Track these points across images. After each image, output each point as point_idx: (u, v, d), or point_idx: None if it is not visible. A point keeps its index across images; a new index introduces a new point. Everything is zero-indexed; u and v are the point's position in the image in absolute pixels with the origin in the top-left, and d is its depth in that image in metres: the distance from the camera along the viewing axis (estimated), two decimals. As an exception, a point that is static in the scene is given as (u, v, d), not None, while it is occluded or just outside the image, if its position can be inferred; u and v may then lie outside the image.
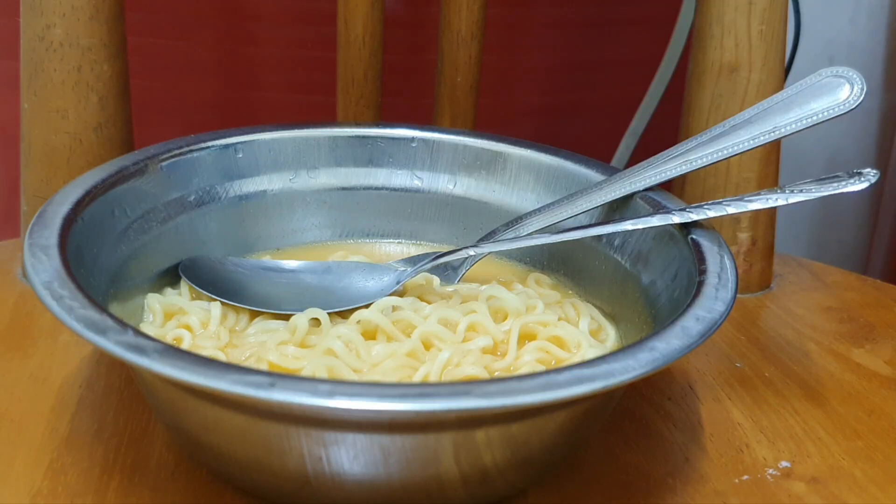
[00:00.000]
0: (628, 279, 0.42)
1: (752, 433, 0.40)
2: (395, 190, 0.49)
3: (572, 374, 0.29)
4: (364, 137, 0.49)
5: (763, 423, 0.41)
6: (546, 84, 0.79)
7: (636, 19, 0.79)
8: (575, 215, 0.43)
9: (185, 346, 0.38)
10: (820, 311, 0.52)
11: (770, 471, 0.38)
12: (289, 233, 0.48)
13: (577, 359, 0.39)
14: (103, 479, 0.35)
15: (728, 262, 0.37)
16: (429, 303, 0.42)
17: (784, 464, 0.38)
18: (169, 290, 0.42)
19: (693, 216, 0.39)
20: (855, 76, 0.40)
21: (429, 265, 0.43)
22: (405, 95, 0.71)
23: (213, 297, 0.41)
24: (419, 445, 0.30)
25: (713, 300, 0.34)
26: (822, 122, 0.40)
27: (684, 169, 0.42)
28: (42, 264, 0.33)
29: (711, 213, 0.39)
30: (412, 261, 0.44)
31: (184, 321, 0.40)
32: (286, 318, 0.40)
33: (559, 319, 0.41)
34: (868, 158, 0.91)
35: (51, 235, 0.35)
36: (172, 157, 0.44)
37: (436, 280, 0.44)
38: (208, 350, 0.38)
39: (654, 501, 0.36)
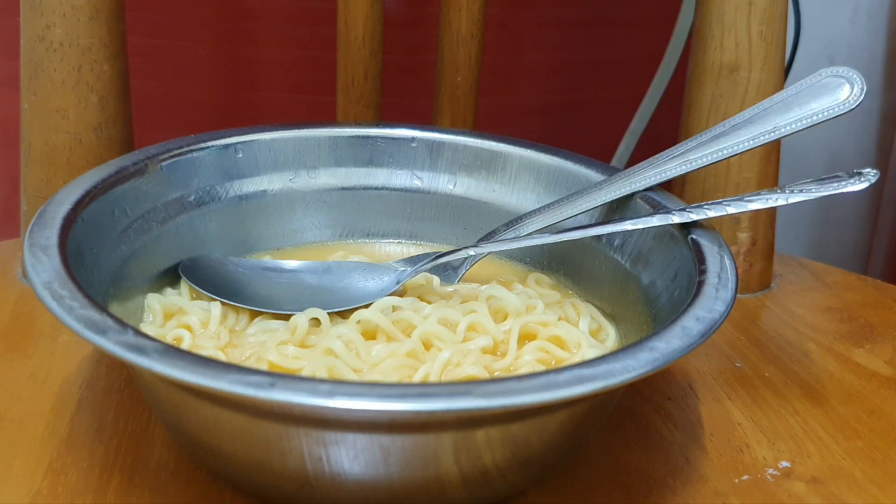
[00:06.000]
0: (628, 279, 0.42)
1: (752, 433, 0.40)
2: (395, 190, 0.49)
3: (572, 374, 0.29)
4: (364, 137, 0.49)
5: (763, 423, 0.41)
6: (546, 84, 0.79)
7: (636, 19, 0.79)
8: (575, 215, 0.43)
9: (185, 346, 0.38)
10: (820, 311, 0.52)
11: (770, 471, 0.38)
12: (289, 233, 0.48)
13: (577, 359, 0.39)
14: (103, 479, 0.35)
15: (728, 262, 0.37)
16: (429, 303, 0.42)
17: (784, 464, 0.38)
18: (169, 290, 0.42)
19: (693, 216, 0.39)
20: (855, 76, 0.40)
21: (429, 265, 0.43)
22: (405, 95, 0.71)
23: (213, 297, 0.41)
24: (419, 445, 0.30)
25: (713, 300, 0.34)
26: (822, 122, 0.40)
27: (684, 169, 0.42)
28: (42, 264, 0.33)
29: (711, 213, 0.39)
30: (412, 261, 0.44)
31: (184, 321, 0.40)
32: (286, 318, 0.40)
33: (559, 319, 0.41)
34: (868, 158, 0.92)
35: (51, 235, 0.35)
36: (172, 157, 0.44)
37: (436, 280, 0.44)
38: (208, 350, 0.38)
39: (654, 501, 0.36)
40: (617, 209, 0.44)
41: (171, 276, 0.43)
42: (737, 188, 0.52)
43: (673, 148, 0.43)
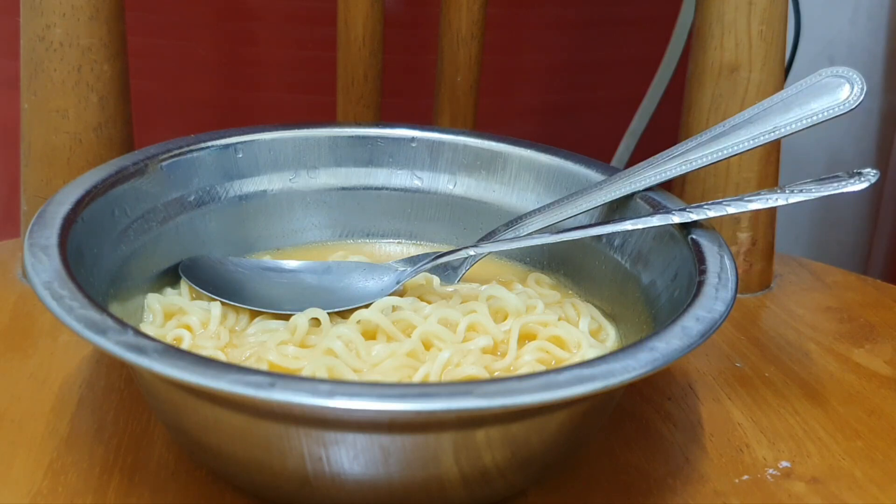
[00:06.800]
0: (628, 279, 0.42)
1: (752, 433, 0.40)
2: (395, 190, 0.49)
3: (572, 374, 0.29)
4: (364, 137, 0.49)
5: (763, 423, 0.41)
6: (546, 84, 0.79)
7: (636, 19, 0.79)
8: (575, 215, 0.43)
9: (185, 346, 0.38)
10: (820, 311, 0.52)
11: (770, 471, 0.38)
12: (289, 233, 0.48)
13: (577, 359, 0.39)
14: (103, 479, 0.35)
15: (728, 262, 0.37)
16: (429, 303, 0.42)
17: (784, 464, 0.38)
18: (169, 290, 0.42)
19: (693, 216, 0.39)
20: (855, 76, 0.40)
21: (429, 265, 0.43)
22: (405, 95, 0.71)
23: (213, 297, 0.41)
24: (419, 445, 0.30)
25: (713, 300, 0.34)
26: (822, 122, 0.40)
27: (684, 169, 0.42)
28: (42, 264, 0.33)
29: (711, 213, 0.39)
30: (412, 261, 0.44)
31: (184, 321, 0.40)
32: (286, 318, 0.40)
33: (559, 319, 0.41)
34: (868, 158, 0.92)
35: (51, 235, 0.35)
36: (172, 157, 0.44)
37: (436, 280, 0.44)
38: (208, 350, 0.38)
39: (654, 501, 0.36)
40: (617, 209, 0.44)
41: (171, 276, 0.43)
42: (737, 188, 0.52)
43: (673, 148, 0.43)
